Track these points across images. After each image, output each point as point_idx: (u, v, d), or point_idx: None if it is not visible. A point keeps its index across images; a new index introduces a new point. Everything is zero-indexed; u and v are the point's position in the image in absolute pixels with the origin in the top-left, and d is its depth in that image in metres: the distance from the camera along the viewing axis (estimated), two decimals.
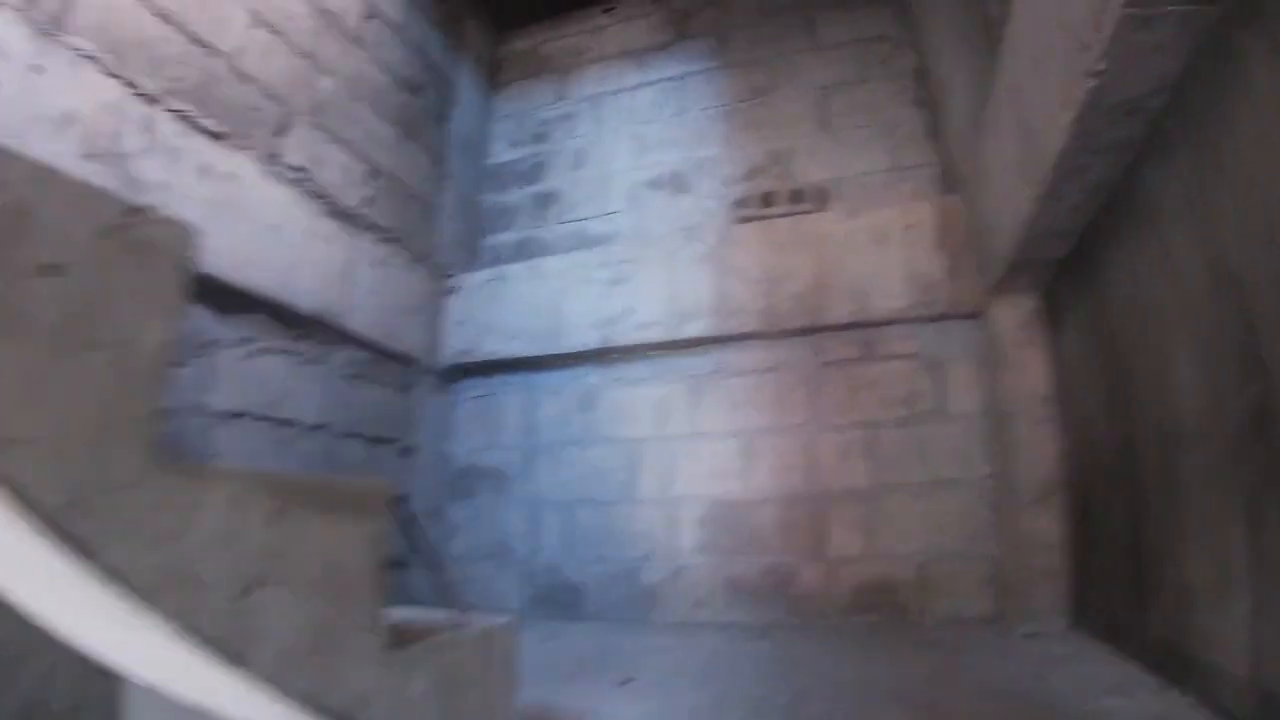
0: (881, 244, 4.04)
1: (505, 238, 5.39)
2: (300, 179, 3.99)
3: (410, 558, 4.48)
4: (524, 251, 5.25)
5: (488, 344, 4.77)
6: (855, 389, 4.03)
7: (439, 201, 5.15)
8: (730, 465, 4.16)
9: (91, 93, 3.02)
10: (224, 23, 3.64)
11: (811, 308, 4.06)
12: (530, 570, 4.51)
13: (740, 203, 4.69)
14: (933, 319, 3.94)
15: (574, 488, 4.49)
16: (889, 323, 4.00)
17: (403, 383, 4.67)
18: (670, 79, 5.23)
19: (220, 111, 3.59)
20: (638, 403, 4.45)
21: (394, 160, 4.75)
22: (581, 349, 4.51)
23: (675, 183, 4.95)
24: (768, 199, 4.59)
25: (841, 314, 4.02)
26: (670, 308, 4.33)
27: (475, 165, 5.57)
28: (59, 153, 2.87)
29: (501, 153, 5.65)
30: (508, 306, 4.77)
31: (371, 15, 4.63)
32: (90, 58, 3.02)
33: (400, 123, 4.84)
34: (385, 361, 4.52)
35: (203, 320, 3.50)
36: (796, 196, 4.54)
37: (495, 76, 5.88)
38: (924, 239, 3.97)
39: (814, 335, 4.12)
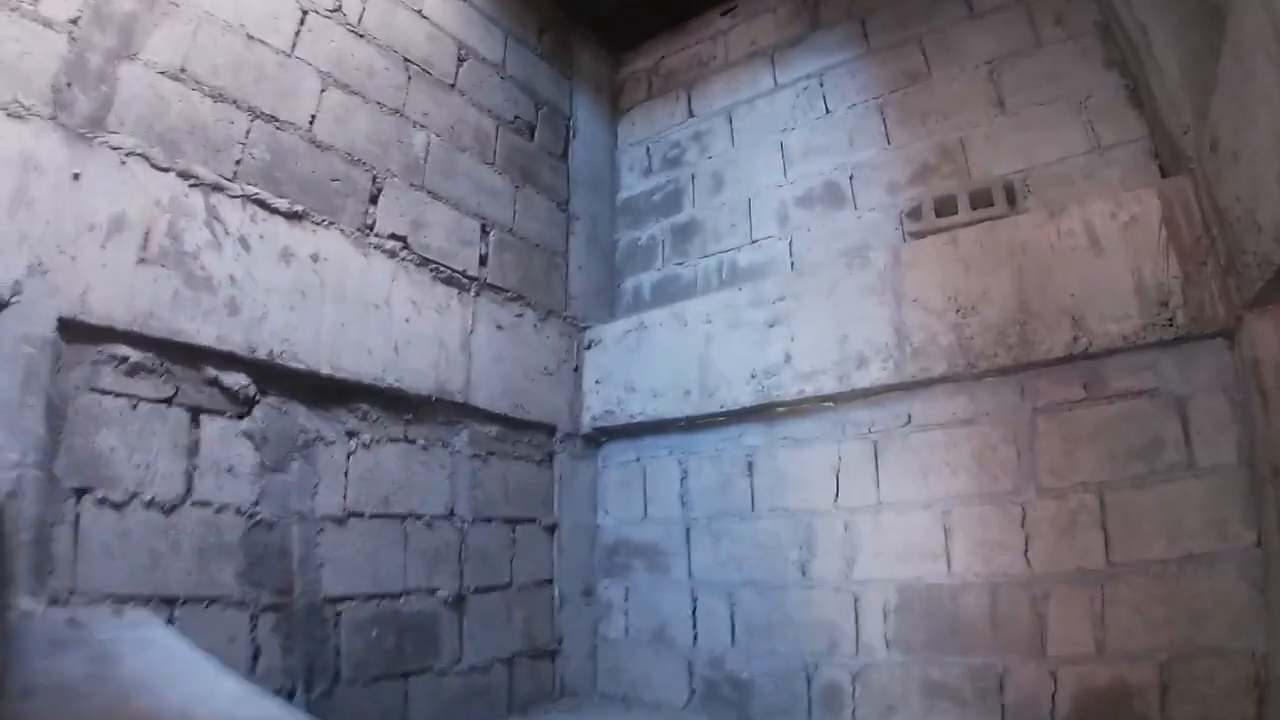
0: (1095, 249, 2.99)
1: (644, 279, 4.63)
2: (400, 248, 3.45)
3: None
4: (665, 293, 4.47)
5: (631, 404, 4.03)
6: (1077, 440, 3.00)
7: (566, 247, 4.49)
8: (924, 542, 3.22)
9: (142, 191, 2.57)
10: (292, 91, 3.14)
11: (1015, 339, 3.06)
12: (691, 661, 3.75)
13: (912, 213, 3.70)
14: (1170, 342, 2.85)
15: (738, 567, 3.68)
16: (1114, 351, 2.93)
17: (541, 454, 4.04)
18: (809, 75, 4.28)
19: (297, 188, 3.08)
20: (808, 467, 3.57)
21: (509, 210, 4.13)
22: (735, 407, 3.68)
23: (830, 196, 4.02)
24: (945, 205, 3.58)
25: (1054, 344, 2.99)
26: (839, 351, 3.43)
27: (604, 202, 4.86)
28: (111, 262, 2.45)
29: (633, 184, 4.89)
30: (651, 360, 4.02)
31: (465, 58, 4.04)
32: (137, 154, 2.59)
33: (513, 168, 4.21)
34: (518, 433, 3.90)
35: (299, 418, 3.00)
36: (980, 198, 3.50)
37: (617, 101, 5.14)
38: (1148, 238, 2.88)
39: (1020, 374, 3.12)
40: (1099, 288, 2.93)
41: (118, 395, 2.48)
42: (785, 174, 4.18)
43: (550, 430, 4.07)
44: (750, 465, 3.74)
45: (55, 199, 2.38)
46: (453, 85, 3.92)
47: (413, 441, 3.39)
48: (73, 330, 2.38)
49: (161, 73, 2.73)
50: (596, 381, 4.21)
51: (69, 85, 2.48)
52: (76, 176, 2.43)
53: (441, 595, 3.38)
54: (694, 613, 3.77)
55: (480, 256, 3.87)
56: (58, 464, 2.31)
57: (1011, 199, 3.45)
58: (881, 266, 3.42)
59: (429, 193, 3.66)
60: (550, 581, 3.93)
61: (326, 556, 2.99)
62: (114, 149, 2.53)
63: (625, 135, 5.02)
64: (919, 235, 3.56)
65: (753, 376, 3.63)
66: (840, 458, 3.49)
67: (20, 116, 2.35)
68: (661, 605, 3.90)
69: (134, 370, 2.53)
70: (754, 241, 4.20)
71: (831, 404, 3.51)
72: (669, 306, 4.12)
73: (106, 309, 2.44)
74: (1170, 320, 2.80)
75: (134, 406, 2.52)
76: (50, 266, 2.33)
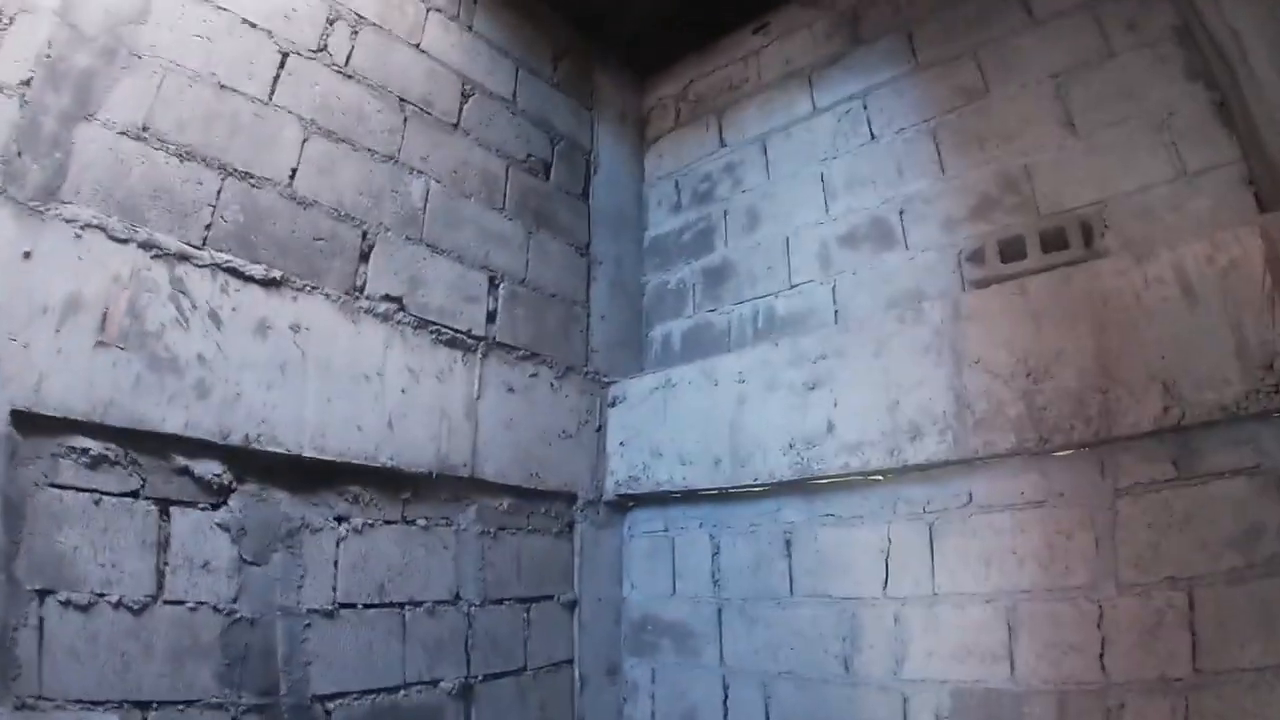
0: (1189, 300, 2.64)
1: (674, 327, 4.37)
2: (395, 310, 3.27)
3: None
4: (697, 343, 4.20)
5: (657, 471, 3.79)
6: (1164, 527, 2.65)
7: (587, 296, 4.27)
8: (985, 641, 2.90)
9: (99, 267, 2.44)
10: (270, 143, 2.98)
11: (1095, 410, 2.72)
12: None
13: (973, 257, 3.38)
14: (1274, 413, 2.48)
15: (774, 657, 3.40)
16: (1211, 423, 2.57)
17: (560, 525, 3.83)
18: (851, 97, 3.96)
19: (275, 251, 2.93)
20: (853, 549, 3.28)
21: (521, 259, 3.93)
22: (770, 480, 3.41)
23: (878, 234, 3.70)
24: (1011, 247, 3.26)
25: (1141, 417, 2.64)
26: (889, 420, 3.12)
27: (630, 242, 4.64)
28: (67, 347, 2.32)
29: (661, 222, 4.63)
30: (678, 422, 3.76)
31: (471, 93, 3.85)
32: (94, 226, 2.45)
33: (525, 212, 4.01)
34: (534, 504, 3.71)
35: (281, 505, 2.83)
36: (1051, 239, 3.18)
37: (643, 131, 4.89)
38: (1250, 287, 2.52)
39: (1101, 449, 2.77)
40: (1194, 348, 2.59)
41: (79, 490, 2.36)
42: (827, 209, 3.89)
43: (570, 498, 3.86)
44: (788, 544, 3.46)
45: (4, 281, 2.25)
46: (456, 125, 3.73)
47: (411, 523, 3.21)
48: (27, 422, 2.26)
49: (122, 133, 2.59)
50: (621, 443, 3.97)
51: (20, 154, 2.36)
52: (27, 255, 2.30)
53: (446, 686, 3.19)
54: (725, 702, 3.51)
55: (488, 313, 3.67)
56: (17, 565, 2.21)
57: (1088, 238, 3.12)
58: (938, 320, 3.11)
59: (428, 246, 3.47)
60: (570, 662, 3.72)
61: (315, 653, 2.82)
62: (68, 222, 2.40)
63: (653, 168, 4.77)
64: (982, 283, 3.24)
65: (790, 446, 3.35)
66: (890, 540, 3.18)
67: None
68: (691, 691, 3.64)
69: (96, 463, 2.40)
70: (793, 286, 3.91)
71: (881, 477, 3.21)
72: (699, 363, 3.85)
73: (63, 398, 2.32)
74: (1276, 386, 2.44)
75: (97, 502, 2.39)
76: (1, 355, 2.22)
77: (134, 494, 2.47)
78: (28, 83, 2.40)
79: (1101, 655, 2.67)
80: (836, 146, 3.94)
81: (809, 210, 3.95)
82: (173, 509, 2.55)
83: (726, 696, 3.51)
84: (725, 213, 4.29)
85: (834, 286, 3.76)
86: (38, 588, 2.23)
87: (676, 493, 3.74)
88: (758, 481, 3.45)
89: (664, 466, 3.76)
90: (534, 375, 3.76)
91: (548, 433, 3.76)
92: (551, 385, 3.84)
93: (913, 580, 3.09)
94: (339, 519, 2.98)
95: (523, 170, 4.05)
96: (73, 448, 2.35)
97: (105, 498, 2.40)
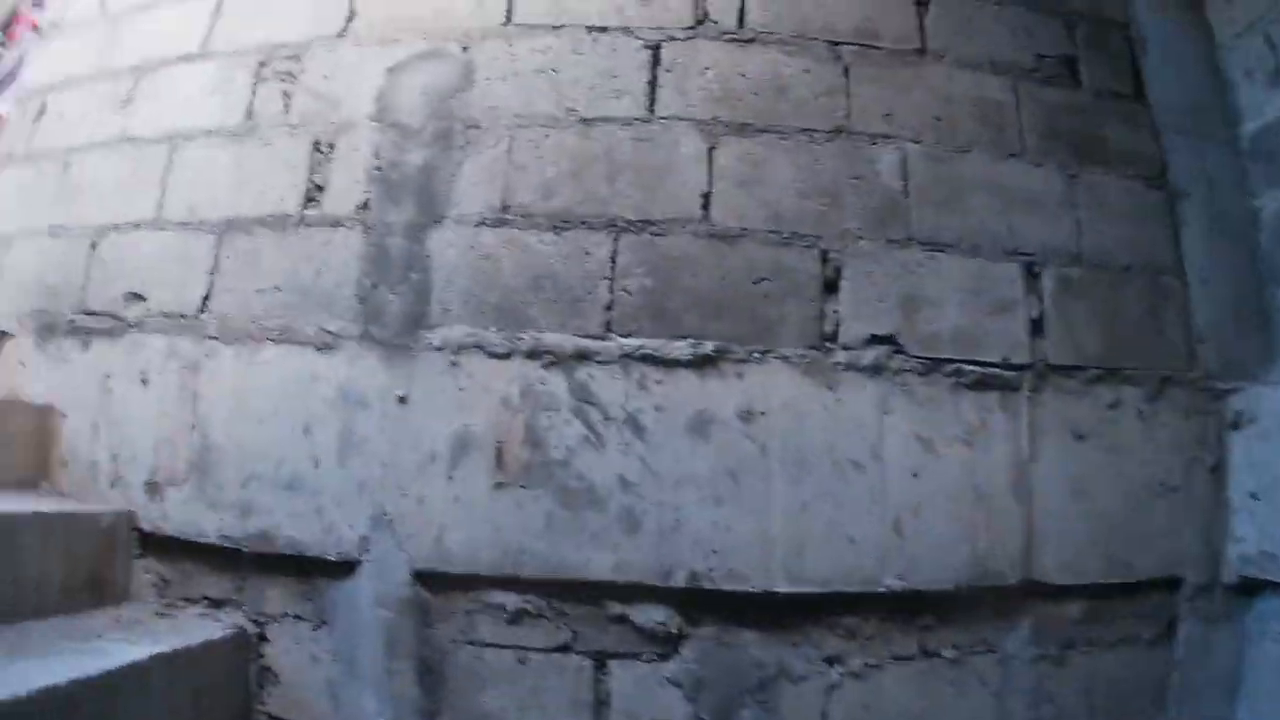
0: None
1: None
2: (886, 355, 2.36)
3: None
4: None
5: None
6: None
7: (1177, 253, 2.72)
8: None
9: (484, 394, 2.16)
10: (664, 170, 2.35)
11: None
12: None
13: None
14: None
15: None
16: None
17: (1153, 630, 2.52)
18: None
19: (701, 315, 2.27)
20: None
21: (1065, 224, 2.61)
22: None
23: None
24: None
25: None
26: None
27: (1218, 150, 2.84)
28: (463, 495, 2.11)
29: (1259, 104, 2.72)
30: None
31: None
32: (469, 346, 2.19)
33: (1056, 146, 2.65)
34: (1116, 605, 2.48)
35: (749, 648, 2.23)
36: None
37: None
38: None
39: None
40: None
41: (500, 647, 2.14)
42: None
43: (1171, 585, 2.52)
44: None
45: (385, 433, 2.16)
46: (921, 49, 2.58)
47: (933, 655, 2.32)
48: (432, 581, 2.11)
49: (480, 223, 2.28)
50: (1251, 494, 2.50)
51: (374, 287, 2.25)
52: (403, 400, 2.17)
53: None
54: None
55: (1030, 322, 2.48)
56: None
57: None
58: None
59: (922, 244, 2.44)
60: None
61: None
62: (439, 349, 2.18)
63: (1222, 23, 2.85)
64: None
65: None
66: None
67: (330, 346, 2.24)
68: None
69: (516, 617, 2.13)
70: None
71: None
72: None
73: (467, 552, 2.10)
74: None
75: (522, 660, 2.13)
76: (394, 513, 2.11)
77: (563, 648, 2.16)
78: (365, 205, 2.31)
79: None
80: None
81: None
82: (611, 663, 2.17)
83: None
84: None
85: None
86: None
87: None
88: None
89: None
90: (1112, 406, 2.50)
91: (1138, 491, 2.49)
92: (1139, 413, 2.52)
93: None
94: (829, 661, 2.25)
95: (1036, 82, 2.68)
96: (487, 603, 2.13)
97: (531, 654, 2.15)
